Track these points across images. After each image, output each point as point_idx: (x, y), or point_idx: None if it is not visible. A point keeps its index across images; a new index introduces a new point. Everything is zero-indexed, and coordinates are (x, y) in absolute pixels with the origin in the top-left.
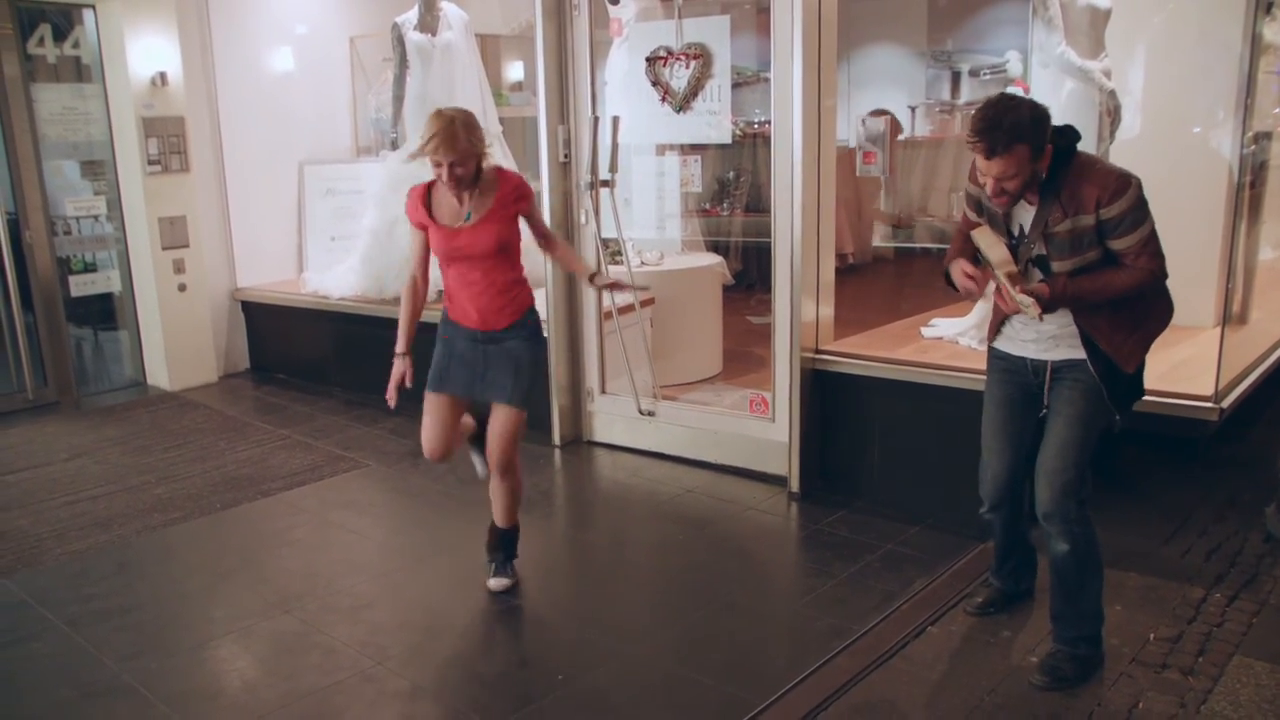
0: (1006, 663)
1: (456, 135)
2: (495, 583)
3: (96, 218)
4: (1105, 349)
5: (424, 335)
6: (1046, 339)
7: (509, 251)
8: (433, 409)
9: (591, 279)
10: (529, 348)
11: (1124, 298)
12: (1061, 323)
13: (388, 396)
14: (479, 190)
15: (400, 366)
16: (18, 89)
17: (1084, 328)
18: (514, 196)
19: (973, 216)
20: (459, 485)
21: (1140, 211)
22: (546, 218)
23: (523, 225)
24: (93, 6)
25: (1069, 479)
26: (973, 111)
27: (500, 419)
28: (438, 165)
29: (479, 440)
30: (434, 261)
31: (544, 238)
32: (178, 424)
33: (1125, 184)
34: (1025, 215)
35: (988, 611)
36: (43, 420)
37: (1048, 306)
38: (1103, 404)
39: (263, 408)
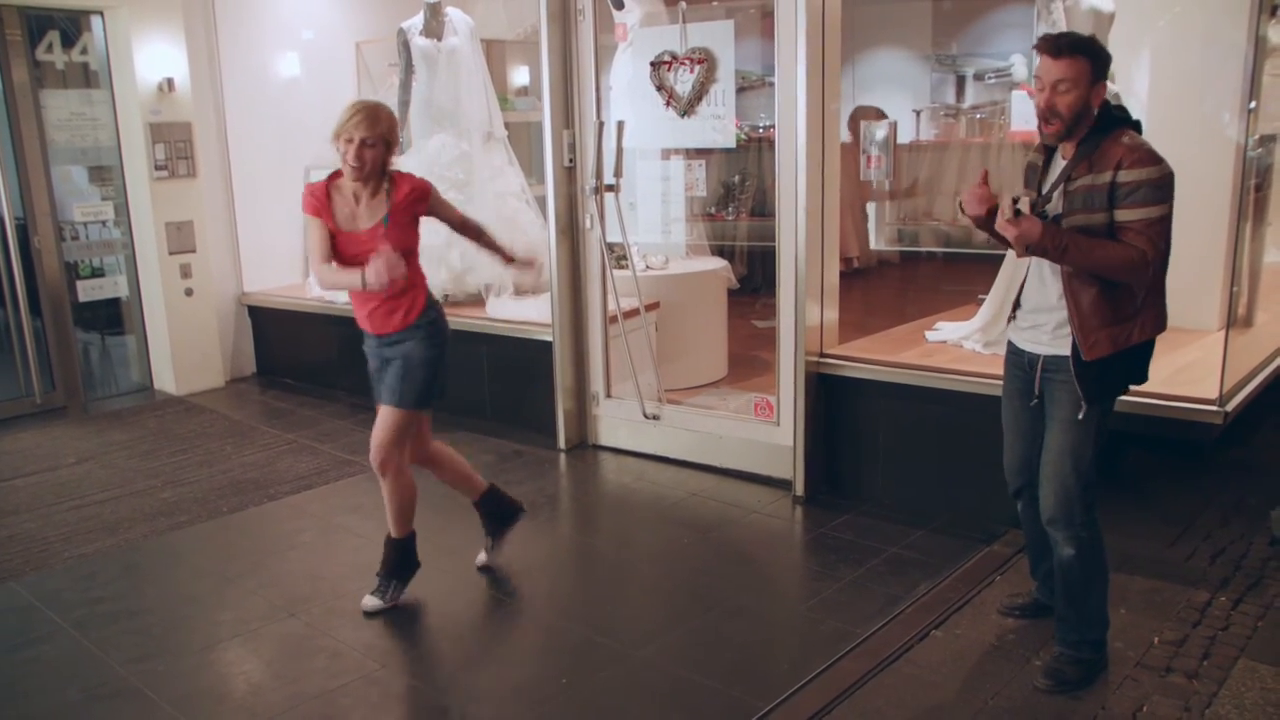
0: (1011, 666)
1: (378, 115)
2: (367, 601)
3: (104, 223)
4: (1074, 325)
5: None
6: (1043, 331)
7: (408, 257)
8: (378, 419)
9: (510, 261)
10: (423, 348)
11: (1110, 274)
12: (1055, 317)
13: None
14: (380, 192)
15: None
16: (26, 95)
17: (1068, 297)
18: (413, 198)
19: (1026, 190)
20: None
21: (1157, 192)
22: (551, 222)
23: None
24: (101, 13)
25: (1067, 485)
26: (978, 115)
27: (378, 418)
28: (349, 142)
29: (495, 518)
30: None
31: (460, 225)
32: (184, 428)
33: (1153, 159)
34: (1057, 173)
35: (1015, 614)
36: (50, 425)
37: (1033, 248)
38: (1092, 405)
39: (269, 412)
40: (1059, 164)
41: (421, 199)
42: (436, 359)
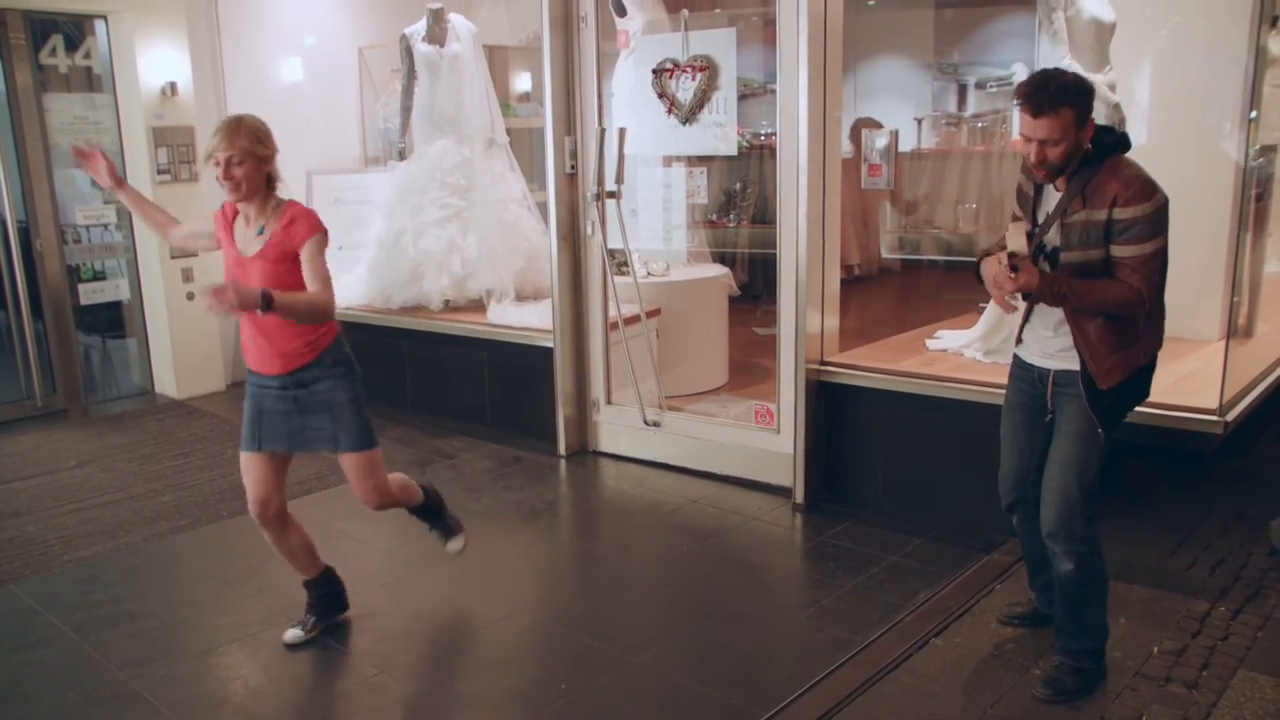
0: (1009, 675)
1: (238, 131)
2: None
3: (106, 226)
4: (1086, 356)
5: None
6: (1052, 349)
7: (299, 290)
8: (251, 468)
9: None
10: (343, 386)
11: (1109, 313)
12: (1062, 340)
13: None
14: (268, 214)
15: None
16: (30, 99)
17: (1074, 330)
18: (290, 225)
19: (1018, 212)
20: (464, 494)
21: (1153, 227)
22: (553, 228)
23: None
24: (104, 17)
25: (1071, 498)
26: (980, 124)
27: (351, 467)
28: (216, 164)
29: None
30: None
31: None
32: (185, 432)
33: (1148, 193)
34: (1052, 204)
35: (1014, 623)
36: (51, 427)
37: (1032, 297)
38: (1108, 429)
39: None
40: (1052, 194)
41: (303, 228)
42: (362, 394)
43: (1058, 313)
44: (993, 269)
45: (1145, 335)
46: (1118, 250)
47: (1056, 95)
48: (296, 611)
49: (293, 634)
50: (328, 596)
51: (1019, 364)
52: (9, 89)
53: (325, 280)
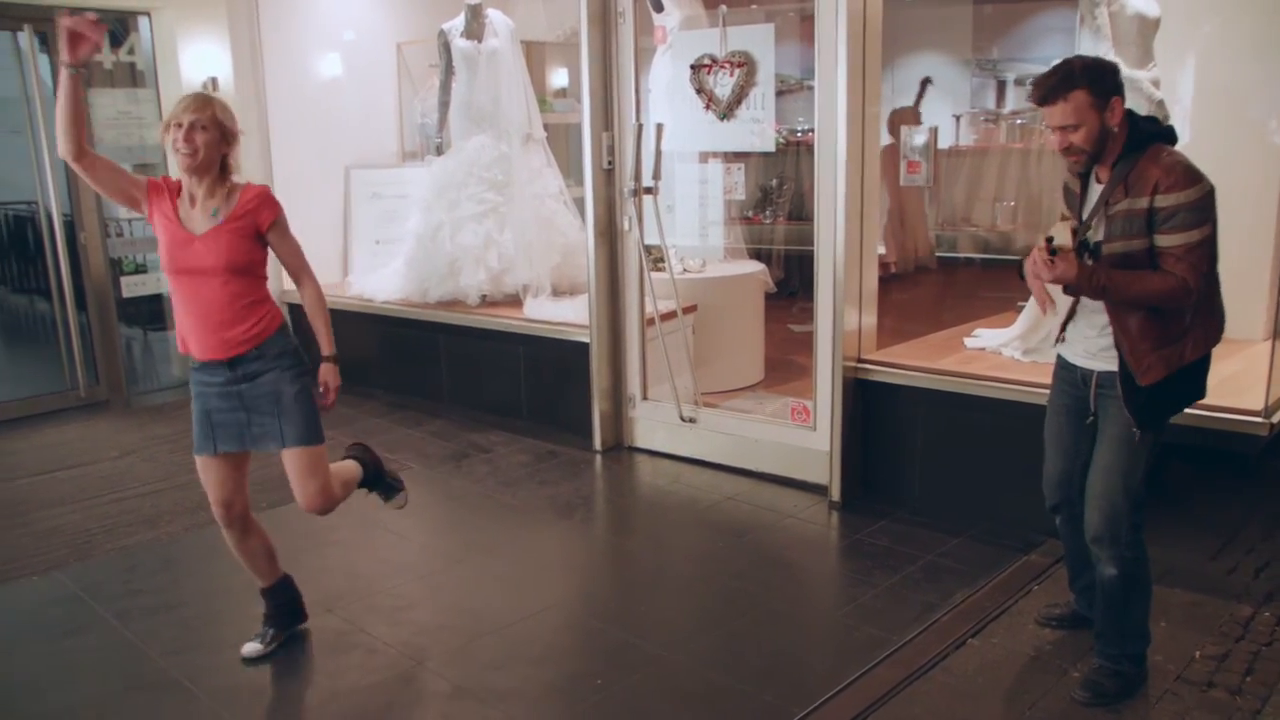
0: (1048, 677)
1: (209, 101)
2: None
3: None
4: (1125, 350)
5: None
6: (1095, 347)
7: (251, 272)
8: (210, 472)
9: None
10: (289, 379)
11: (1153, 304)
12: (1105, 339)
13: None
14: (221, 196)
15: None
16: None
17: (1114, 324)
18: (254, 205)
19: (1067, 213)
20: (500, 488)
21: (1197, 215)
22: (590, 224)
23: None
24: (148, 14)
25: (1116, 504)
26: (1019, 121)
27: (295, 464)
28: (177, 126)
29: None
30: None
31: (292, 271)
32: None
33: (1191, 180)
34: (1096, 199)
35: (1053, 625)
36: (94, 418)
37: (1070, 289)
38: (1144, 429)
39: None
40: (1095, 187)
41: (264, 207)
42: (310, 387)
43: (1102, 312)
44: (1032, 258)
45: (1192, 331)
46: (1161, 240)
47: (1065, 80)
48: (333, 602)
49: (251, 648)
50: (286, 605)
51: (1063, 364)
52: (55, 84)
53: (304, 258)
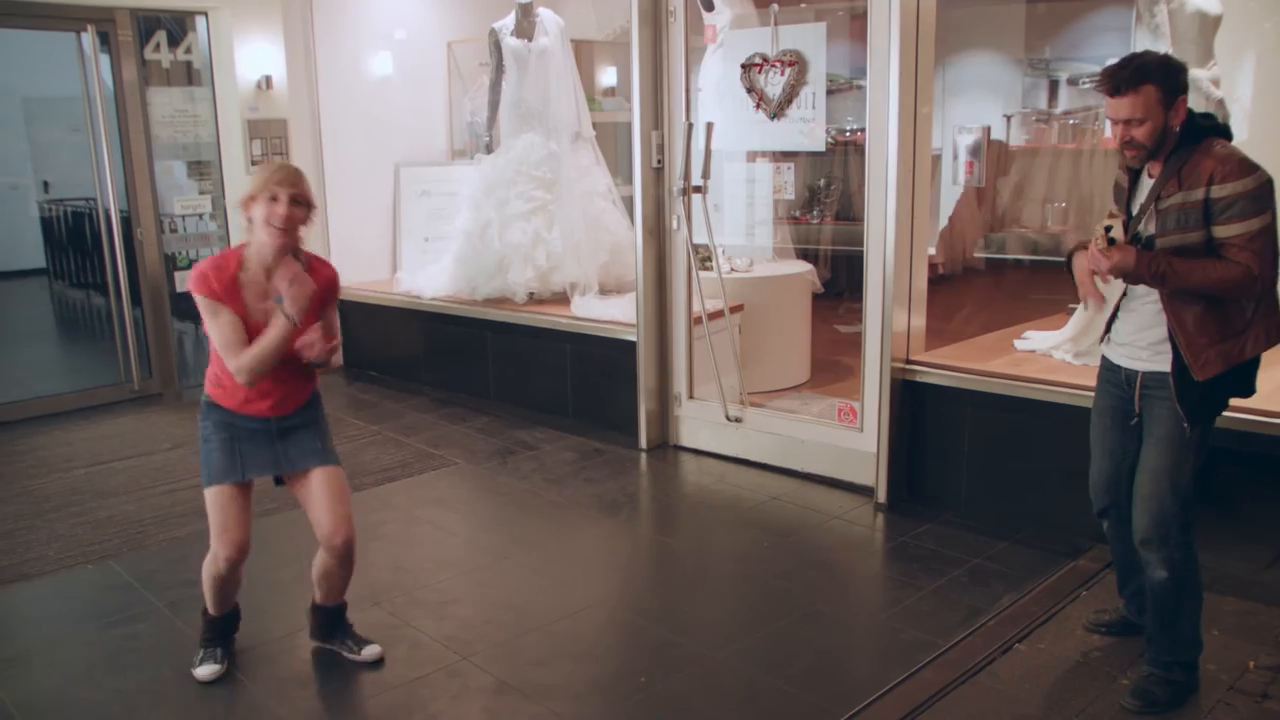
0: (1096, 684)
1: (301, 175)
2: (370, 651)
3: (201, 216)
4: (1181, 344)
5: None
6: (1139, 347)
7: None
8: (233, 504)
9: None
10: (317, 402)
11: (1215, 293)
12: (1153, 334)
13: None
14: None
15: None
16: (135, 93)
17: (1170, 316)
18: (330, 288)
19: (1115, 209)
20: (545, 485)
21: (1256, 204)
22: (638, 222)
23: None
24: (205, 14)
25: (1165, 505)
26: (1071, 121)
27: (331, 484)
28: (273, 200)
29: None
30: None
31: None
32: None
33: (1247, 170)
34: (1146, 195)
35: (1101, 631)
36: (147, 410)
37: (1130, 277)
38: (1195, 424)
39: (355, 404)
40: (1146, 182)
41: (333, 298)
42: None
43: (1147, 311)
44: (1087, 252)
45: (1253, 325)
46: (1221, 230)
47: (1137, 73)
48: (379, 596)
49: (209, 670)
50: (232, 624)
51: (1107, 365)
52: (116, 84)
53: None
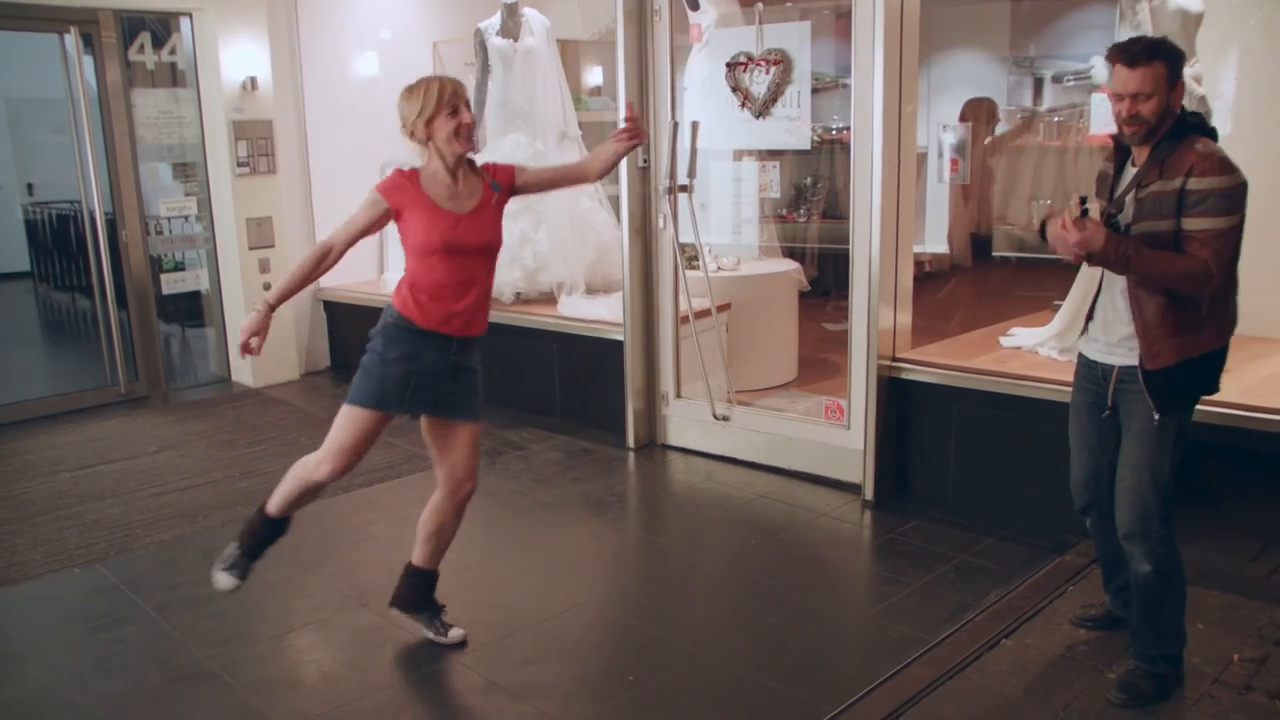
0: (1083, 678)
1: (461, 87)
2: (456, 634)
3: (187, 218)
4: (1138, 333)
5: None
6: (1113, 343)
7: (498, 249)
8: (366, 431)
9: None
10: (478, 360)
11: (1172, 286)
12: (1128, 329)
13: (243, 346)
14: (475, 174)
15: (261, 321)
16: (119, 94)
17: (1132, 305)
18: (505, 175)
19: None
20: (533, 485)
21: (1228, 203)
22: (625, 222)
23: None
24: (189, 15)
25: (1145, 498)
26: (1057, 118)
27: (471, 439)
28: (453, 114)
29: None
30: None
31: (559, 177)
32: (261, 420)
33: (1225, 168)
34: (1128, 181)
35: (1088, 626)
36: (134, 413)
37: (1095, 257)
38: (1164, 414)
39: None
40: (1129, 173)
41: (503, 170)
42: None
43: (1122, 306)
44: (1061, 219)
45: (1206, 323)
46: (1189, 223)
47: (1151, 47)
48: (367, 597)
49: (229, 582)
50: (277, 534)
51: (1083, 362)
52: (100, 85)
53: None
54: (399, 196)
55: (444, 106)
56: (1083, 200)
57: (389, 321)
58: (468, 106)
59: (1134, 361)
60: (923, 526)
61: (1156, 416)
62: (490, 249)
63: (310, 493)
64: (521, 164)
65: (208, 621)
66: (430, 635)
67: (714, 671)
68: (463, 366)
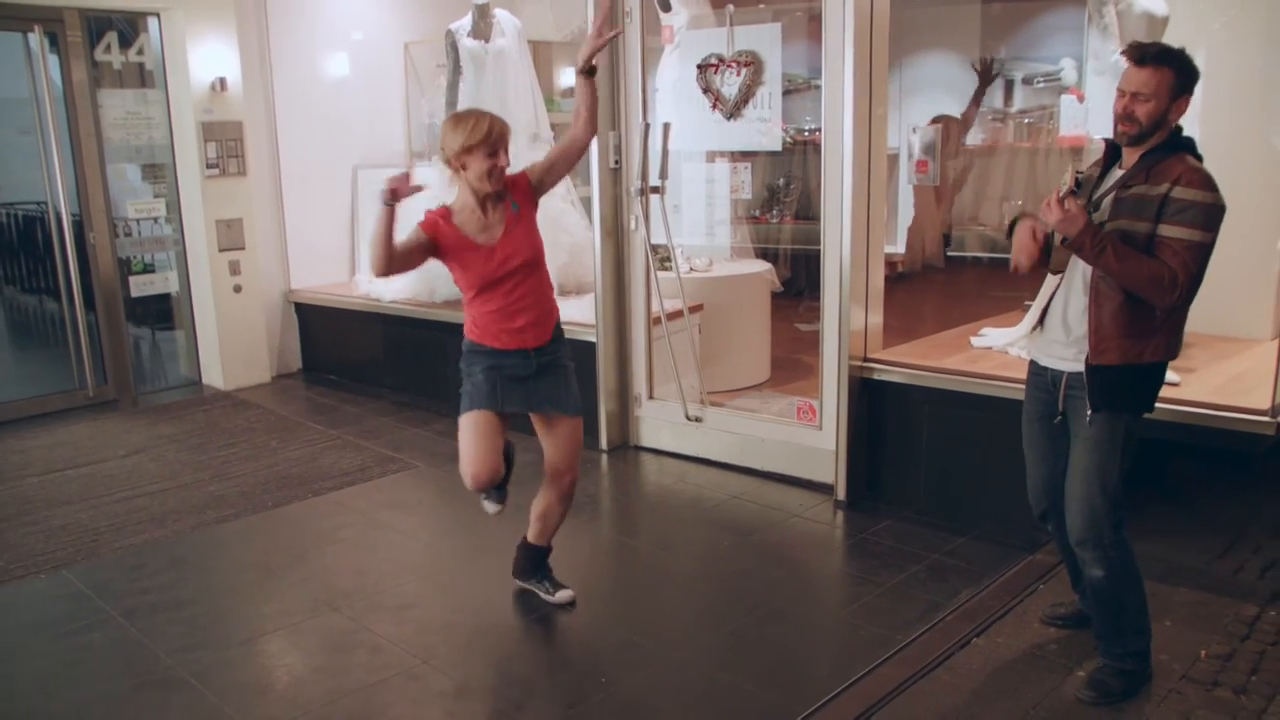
0: (1053, 676)
1: (495, 122)
2: (564, 594)
3: (156, 219)
4: (1090, 327)
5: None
6: (1064, 345)
7: (543, 256)
8: (483, 429)
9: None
10: (566, 353)
11: (1136, 287)
12: (1080, 334)
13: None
14: (503, 200)
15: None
16: (85, 95)
17: (1091, 301)
18: (521, 185)
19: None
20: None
21: (1205, 218)
22: (596, 223)
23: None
24: (157, 14)
25: (1095, 505)
26: (1026, 120)
27: (570, 432)
28: (491, 156)
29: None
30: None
31: (561, 154)
32: (231, 423)
33: (1210, 186)
34: (1112, 182)
35: (1057, 624)
36: (102, 417)
37: (1072, 240)
38: (1115, 422)
39: (314, 408)
40: (1115, 174)
41: (523, 177)
42: (573, 365)
43: (1076, 306)
44: (1029, 222)
45: (1158, 334)
46: (1166, 229)
47: (1164, 53)
48: (339, 601)
49: (492, 507)
50: (508, 464)
51: (1034, 370)
52: (65, 85)
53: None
54: (439, 238)
55: (484, 145)
56: (1077, 174)
57: (467, 350)
58: (506, 150)
59: (1081, 368)
60: (894, 526)
61: (1089, 413)
62: (533, 264)
63: (489, 484)
64: (526, 164)
65: (176, 627)
66: (541, 595)
67: (686, 672)
68: (548, 365)
